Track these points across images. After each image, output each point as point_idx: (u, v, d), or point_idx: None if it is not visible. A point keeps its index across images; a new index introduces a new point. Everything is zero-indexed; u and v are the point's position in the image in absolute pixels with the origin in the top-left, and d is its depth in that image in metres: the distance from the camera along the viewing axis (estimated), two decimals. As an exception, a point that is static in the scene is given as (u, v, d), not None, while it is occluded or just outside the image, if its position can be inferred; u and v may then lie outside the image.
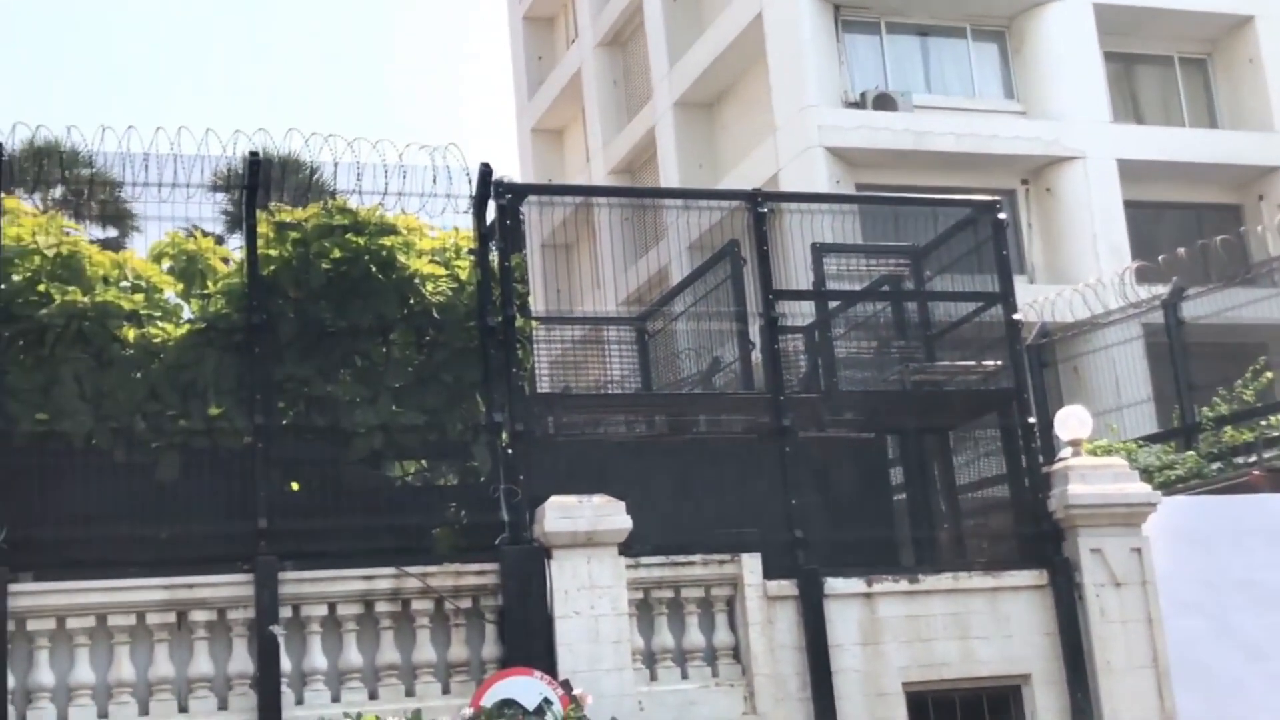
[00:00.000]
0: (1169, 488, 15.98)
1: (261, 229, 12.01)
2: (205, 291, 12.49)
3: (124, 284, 12.09)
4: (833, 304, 14.53)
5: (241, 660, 11.00)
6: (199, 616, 10.96)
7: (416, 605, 11.40)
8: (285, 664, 10.97)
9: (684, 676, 11.96)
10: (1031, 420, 13.55)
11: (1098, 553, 12.86)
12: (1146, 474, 15.86)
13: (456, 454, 12.59)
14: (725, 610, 12.20)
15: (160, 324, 11.98)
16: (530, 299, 12.93)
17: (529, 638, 11.31)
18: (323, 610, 11.21)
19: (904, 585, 12.53)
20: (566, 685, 10.91)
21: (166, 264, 12.67)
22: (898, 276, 14.88)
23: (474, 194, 12.37)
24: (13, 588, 10.52)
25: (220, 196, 13.64)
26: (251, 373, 11.56)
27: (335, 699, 11.09)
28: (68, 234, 12.08)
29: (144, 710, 10.77)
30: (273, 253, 12.08)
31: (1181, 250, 20.84)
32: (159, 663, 10.86)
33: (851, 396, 13.78)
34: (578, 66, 36.13)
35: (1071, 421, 13.58)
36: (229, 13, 71.43)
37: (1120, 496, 13.01)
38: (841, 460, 13.52)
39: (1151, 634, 12.82)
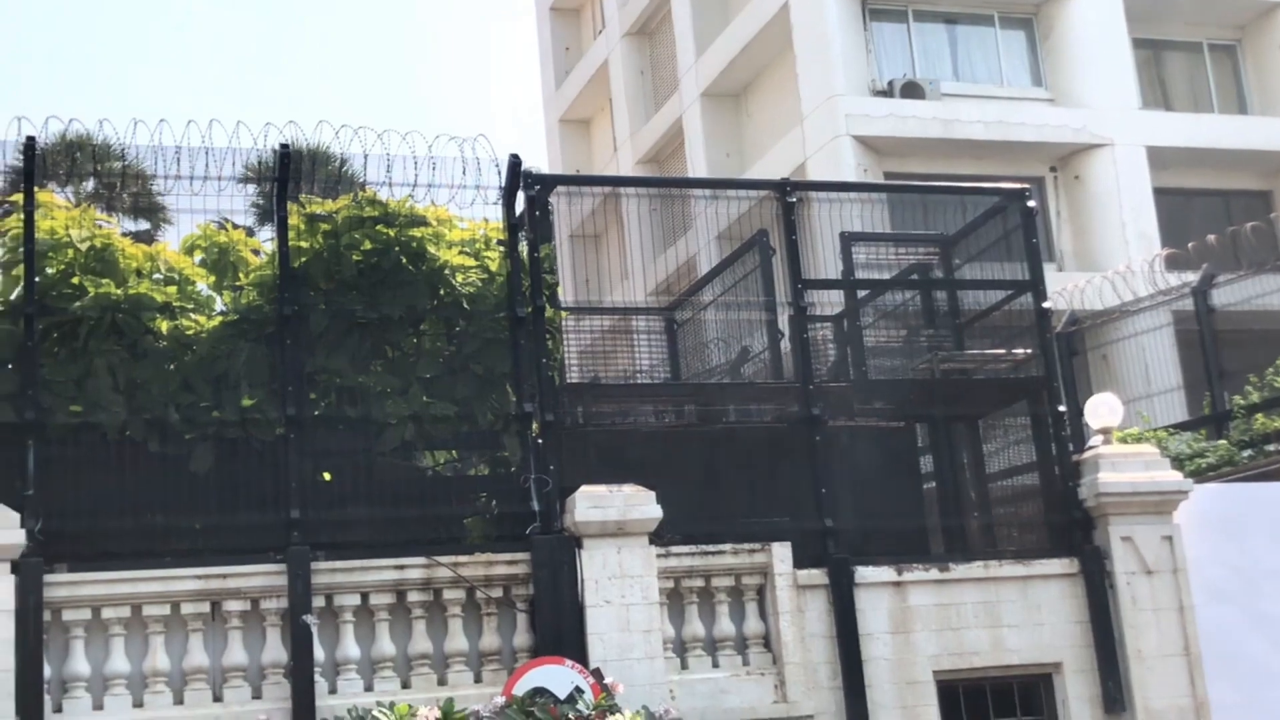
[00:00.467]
0: (1200, 475, 15.92)
1: (292, 221, 12.07)
2: (237, 283, 12.56)
3: (157, 276, 12.15)
4: (861, 293, 14.52)
5: (275, 650, 11.07)
6: (232, 606, 11.04)
7: (448, 595, 11.46)
8: (318, 653, 11.04)
9: (715, 665, 12.00)
10: (1062, 408, 13.52)
11: (1129, 541, 12.85)
12: (1177, 462, 15.82)
13: (487, 444, 12.62)
14: (755, 599, 12.22)
15: (193, 316, 12.05)
16: (559, 289, 12.95)
17: (560, 627, 11.36)
18: (355, 600, 11.28)
19: (934, 574, 12.53)
20: (598, 674, 10.95)
21: (198, 256, 12.74)
22: (926, 265, 14.86)
23: (503, 185, 12.40)
24: (48, 578, 10.63)
25: (251, 189, 13.68)
26: (283, 364, 11.63)
27: (368, 688, 11.16)
28: (100, 227, 12.14)
29: (178, 699, 10.87)
30: (304, 244, 12.14)
31: (1211, 237, 20.72)
32: (193, 652, 10.94)
33: (880, 385, 13.77)
34: (605, 57, 36.10)
35: (1102, 409, 13.55)
36: (259, 6, 71.67)
37: (1151, 484, 12.98)
38: (871, 449, 13.51)
39: (1183, 622, 12.79)
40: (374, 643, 11.30)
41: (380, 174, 12.17)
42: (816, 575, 12.23)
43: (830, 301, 14.33)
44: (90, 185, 18.72)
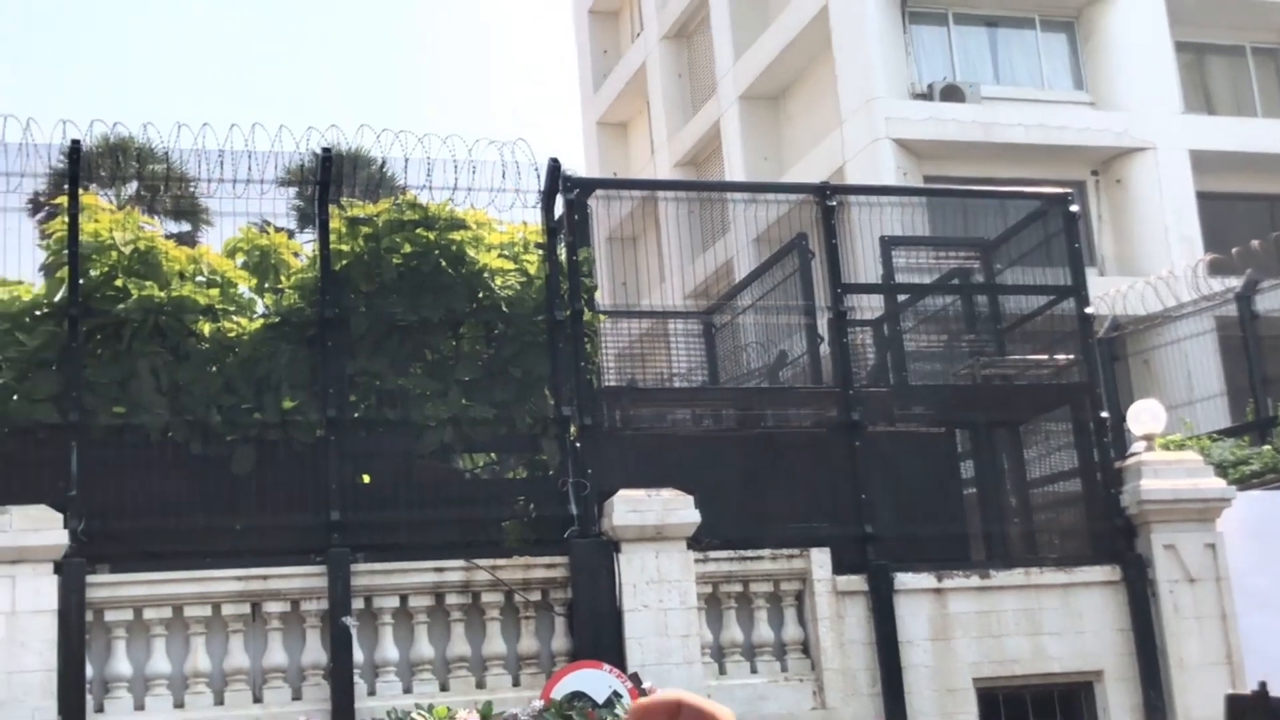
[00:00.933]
0: (1244, 483, 15.76)
1: (333, 224, 12.12)
2: (278, 286, 12.62)
3: (199, 279, 12.22)
4: (901, 297, 14.45)
5: (315, 651, 11.11)
6: (273, 608, 11.08)
7: (486, 598, 11.47)
8: (358, 655, 11.08)
9: (753, 671, 11.96)
10: (1104, 414, 13.42)
11: (1171, 548, 12.74)
12: (1220, 469, 15.66)
13: (525, 447, 12.64)
14: (794, 605, 12.18)
15: (235, 318, 12.12)
16: (597, 293, 12.95)
17: (598, 631, 11.36)
18: (394, 602, 11.31)
19: (975, 581, 12.46)
20: (635, 678, 10.92)
21: (240, 259, 12.81)
22: (967, 269, 14.78)
23: (543, 189, 12.40)
24: (91, 579, 10.70)
25: (292, 192, 13.75)
26: (324, 366, 11.68)
27: (407, 690, 11.18)
28: (144, 230, 12.22)
29: (219, 700, 10.92)
30: (344, 248, 12.18)
31: (1255, 242, 20.54)
32: (234, 653, 10.99)
33: (921, 390, 13.71)
34: (642, 60, 36.11)
35: (1144, 416, 13.45)
36: (301, 10, 72.04)
37: (1194, 492, 12.86)
38: (911, 455, 13.45)
39: (1225, 630, 12.67)
40: (413, 645, 11.32)
41: (420, 177, 12.21)
42: (856, 581, 12.18)
43: (870, 306, 14.28)
44: (132, 188, 18.83)
